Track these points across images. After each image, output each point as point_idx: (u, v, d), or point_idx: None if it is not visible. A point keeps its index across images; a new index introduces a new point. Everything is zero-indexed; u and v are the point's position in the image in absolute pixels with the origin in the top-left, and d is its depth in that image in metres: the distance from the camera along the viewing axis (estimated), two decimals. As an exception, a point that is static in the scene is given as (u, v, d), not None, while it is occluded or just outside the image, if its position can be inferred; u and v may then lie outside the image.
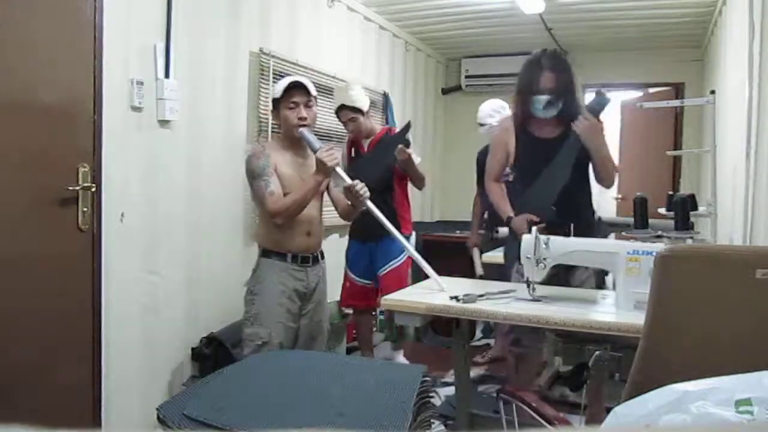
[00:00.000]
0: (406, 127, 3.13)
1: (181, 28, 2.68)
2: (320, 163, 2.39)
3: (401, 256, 3.30)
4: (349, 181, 2.51)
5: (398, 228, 3.07)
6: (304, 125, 2.45)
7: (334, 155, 2.41)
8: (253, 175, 2.41)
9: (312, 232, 2.54)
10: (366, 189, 2.49)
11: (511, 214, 2.55)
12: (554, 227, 2.20)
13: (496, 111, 3.94)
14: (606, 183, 2.57)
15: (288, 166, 2.47)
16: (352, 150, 3.42)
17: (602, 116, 2.47)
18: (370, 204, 2.53)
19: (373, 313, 3.60)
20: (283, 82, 2.49)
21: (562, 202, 2.37)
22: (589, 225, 2.47)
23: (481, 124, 4.03)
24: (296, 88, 2.46)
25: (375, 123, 3.32)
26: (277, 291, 2.45)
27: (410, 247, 2.82)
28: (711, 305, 1.26)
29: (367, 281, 3.46)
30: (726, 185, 3.35)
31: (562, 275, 2.43)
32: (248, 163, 2.44)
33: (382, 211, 2.86)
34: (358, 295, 3.49)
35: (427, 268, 2.42)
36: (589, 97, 2.55)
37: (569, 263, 2.20)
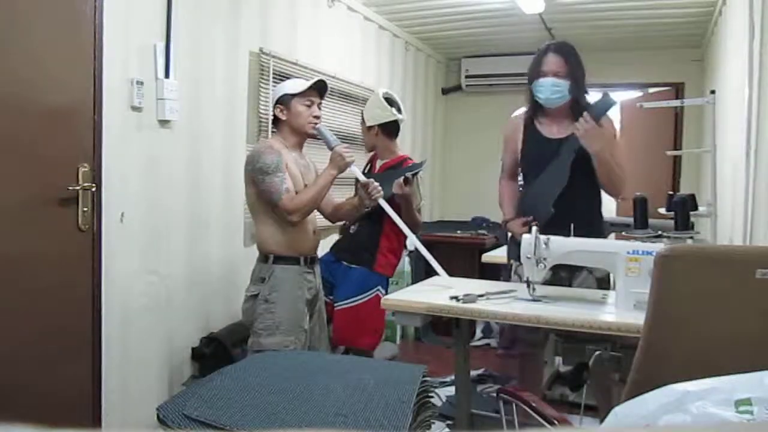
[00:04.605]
0: (416, 165, 3.00)
1: (181, 28, 2.68)
2: (339, 158, 2.42)
3: (365, 294, 2.97)
4: (363, 178, 2.60)
5: (370, 263, 2.98)
6: (316, 124, 2.51)
7: (350, 152, 2.47)
8: (266, 171, 2.34)
9: (316, 230, 2.57)
10: (381, 189, 2.59)
11: (509, 217, 2.53)
12: (553, 231, 2.08)
13: None
14: (608, 191, 2.42)
15: (294, 166, 2.44)
16: (368, 166, 3.24)
17: (609, 119, 2.36)
18: (383, 202, 2.60)
19: None
20: (303, 81, 2.57)
21: (563, 206, 2.27)
22: (595, 231, 2.30)
23: None
24: (316, 88, 2.51)
25: (387, 145, 3.11)
26: (296, 298, 2.43)
27: (417, 241, 2.79)
28: (711, 305, 1.26)
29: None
30: (726, 185, 3.35)
31: (565, 277, 2.42)
32: (259, 157, 2.36)
33: (363, 241, 2.90)
34: None
35: (432, 261, 2.53)
36: (595, 98, 2.40)
37: (569, 263, 2.19)
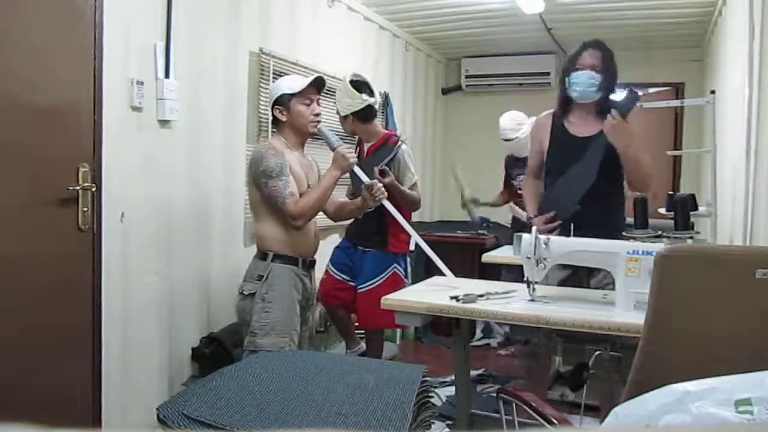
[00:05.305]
0: (390, 150, 3.01)
1: (181, 28, 2.68)
2: (341, 158, 2.44)
3: (382, 275, 3.09)
4: (366, 179, 2.58)
5: (383, 244, 3.07)
6: (318, 122, 2.49)
7: (353, 152, 2.49)
8: (270, 174, 2.32)
9: (316, 233, 2.55)
10: (384, 190, 2.59)
11: (533, 214, 2.53)
12: (578, 231, 2.10)
13: (519, 124, 3.95)
14: (636, 187, 2.45)
15: (298, 167, 2.44)
16: (356, 150, 3.24)
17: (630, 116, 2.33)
18: (387, 203, 2.60)
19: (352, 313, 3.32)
20: (302, 78, 2.52)
21: (587, 203, 2.28)
22: (615, 230, 2.33)
23: (507, 139, 4.03)
24: (314, 85, 2.46)
25: (366, 130, 3.12)
26: (292, 298, 2.41)
27: (422, 241, 2.86)
28: (711, 305, 1.26)
29: (345, 276, 3.19)
30: (726, 185, 3.35)
31: (583, 275, 2.41)
32: (263, 160, 2.34)
33: (369, 226, 2.93)
34: (332, 290, 3.18)
35: (437, 260, 2.59)
36: (620, 96, 2.42)
37: (569, 263, 2.19)
